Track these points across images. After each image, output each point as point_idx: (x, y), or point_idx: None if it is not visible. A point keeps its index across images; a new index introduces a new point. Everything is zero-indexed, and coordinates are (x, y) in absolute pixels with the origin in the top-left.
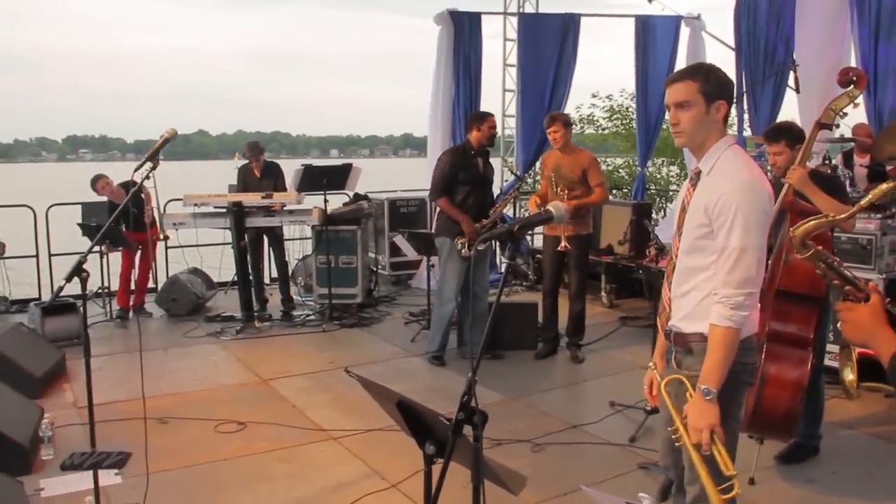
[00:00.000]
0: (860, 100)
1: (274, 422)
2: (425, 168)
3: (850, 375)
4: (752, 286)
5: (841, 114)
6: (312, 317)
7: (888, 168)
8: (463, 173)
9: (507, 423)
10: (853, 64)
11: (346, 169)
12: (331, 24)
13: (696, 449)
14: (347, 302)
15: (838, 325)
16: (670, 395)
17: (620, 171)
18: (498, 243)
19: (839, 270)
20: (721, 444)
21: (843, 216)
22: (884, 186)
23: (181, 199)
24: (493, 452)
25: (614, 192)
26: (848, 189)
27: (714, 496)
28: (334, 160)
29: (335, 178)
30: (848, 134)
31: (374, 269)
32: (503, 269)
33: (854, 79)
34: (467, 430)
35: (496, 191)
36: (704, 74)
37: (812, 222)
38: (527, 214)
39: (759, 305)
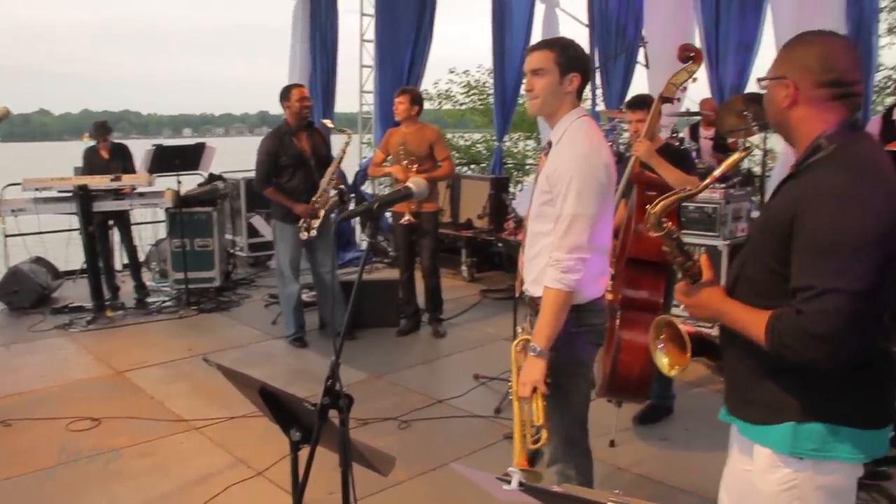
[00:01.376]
0: (700, 74)
1: (131, 415)
2: None
3: (664, 358)
4: (582, 251)
5: (681, 88)
6: (168, 303)
7: (729, 140)
8: (284, 156)
9: (372, 401)
10: (697, 41)
11: (200, 148)
12: None
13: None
14: (205, 286)
15: (681, 308)
16: (521, 355)
17: (478, 145)
18: (358, 220)
19: (685, 250)
20: (542, 398)
21: (697, 189)
22: (736, 156)
23: (20, 184)
24: (359, 432)
25: (472, 166)
26: (695, 160)
27: (518, 442)
28: (188, 139)
29: (188, 158)
30: (695, 108)
31: (232, 251)
32: (364, 247)
33: (692, 55)
34: (333, 414)
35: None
36: (562, 47)
37: (670, 198)
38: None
39: (606, 270)
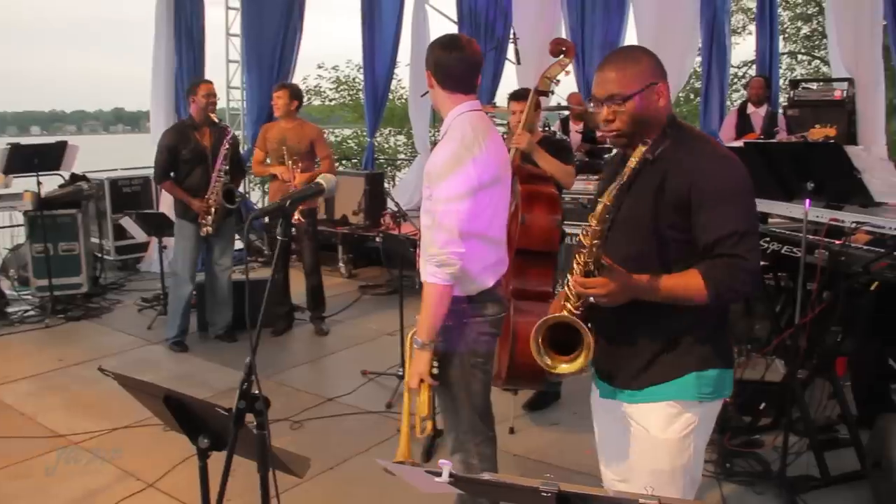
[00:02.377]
0: (571, 68)
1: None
2: (149, 144)
3: (564, 367)
4: (454, 245)
5: (555, 81)
6: (32, 312)
7: (598, 134)
8: (185, 151)
9: None
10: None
11: (61, 147)
12: None
13: (411, 394)
14: (72, 293)
15: (590, 299)
16: (412, 348)
17: (349, 141)
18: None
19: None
20: (428, 389)
21: None
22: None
23: None
24: None
25: (344, 162)
26: None
27: (405, 435)
28: (37, 138)
29: (48, 157)
30: (564, 103)
31: (99, 254)
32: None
33: (564, 49)
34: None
35: None
36: (429, 48)
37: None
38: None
39: (501, 260)
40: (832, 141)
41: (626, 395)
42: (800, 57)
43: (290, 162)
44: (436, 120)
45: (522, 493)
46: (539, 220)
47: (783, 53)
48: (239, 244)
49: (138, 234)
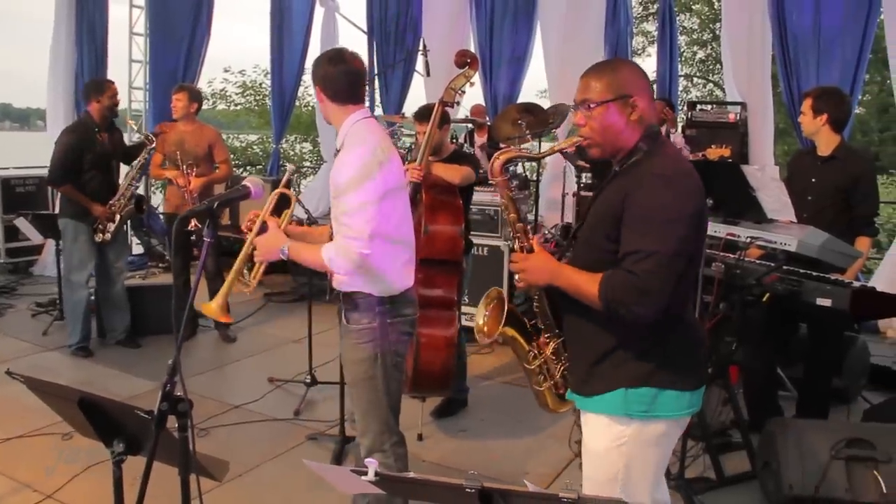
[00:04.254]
0: (476, 79)
1: None
2: (43, 143)
3: (480, 321)
4: (361, 246)
5: (459, 92)
6: None
7: (502, 146)
8: (88, 153)
9: None
10: (473, 51)
11: None
12: None
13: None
14: None
15: (515, 278)
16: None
17: (255, 147)
18: (130, 222)
19: (515, 199)
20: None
21: (540, 153)
22: (573, 139)
23: None
24: None
25: (248, 167)
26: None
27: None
28: None
29: None
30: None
31: None
32: (141, 251)
33: (468, 60)
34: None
35: None
36: (315, 64)
37: (514, 153)
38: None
39: (411, 261)
40: (729, 160)
41: (578, 400)
42: (695, 80)
43: (184, 167)
44: None
45: (447, 490)
46: (442, 230)
47: (680, 76)
48: (138, 248)
49: (34, 235)
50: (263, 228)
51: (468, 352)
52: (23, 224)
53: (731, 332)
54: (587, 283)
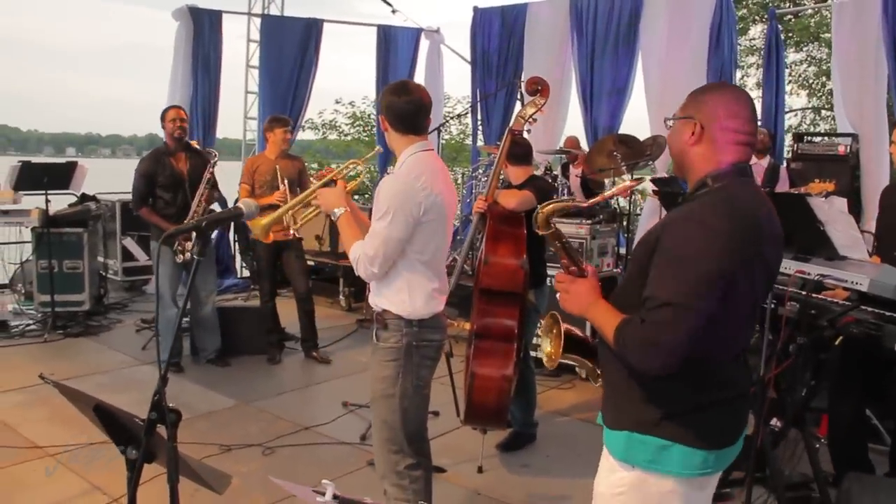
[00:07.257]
0: (574, 116)
1: None
2: None
3: (548, 347)
4: (372, 265)
5: (529, 120)
6: (33, 326)
7: (591, 177)
8: (161, 176)
9: (238, 427)
10: (573, 83)
11: (71, 167)
12: (58, 8)
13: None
14: (73, 310)
15: (557, 296)
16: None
17: (363, 177)
18: (237, 246)
19: (569, 248)
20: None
21: (586, 203)
22: (628, 183)
23: None
24: (221, 458)
25: (356, 197)
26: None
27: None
28: (71, 158)
29: (57, 176)
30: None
31: (105, 274)
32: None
33: (539, 88)
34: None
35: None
36: (381, 94)
37: (560, 204)
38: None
39: (442, 290)
40: (830, 195)
41: (601, 423)
42: (823, 112)
43: (285, 186)
44: (442, 157)
45: None
46: (500, 261)
47: (807, 108)
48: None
49: (140, 254)
50: (331, 184)
51: (548, 386)
52: (130, 244)
53: (812, 376)
54: (609, 325)
